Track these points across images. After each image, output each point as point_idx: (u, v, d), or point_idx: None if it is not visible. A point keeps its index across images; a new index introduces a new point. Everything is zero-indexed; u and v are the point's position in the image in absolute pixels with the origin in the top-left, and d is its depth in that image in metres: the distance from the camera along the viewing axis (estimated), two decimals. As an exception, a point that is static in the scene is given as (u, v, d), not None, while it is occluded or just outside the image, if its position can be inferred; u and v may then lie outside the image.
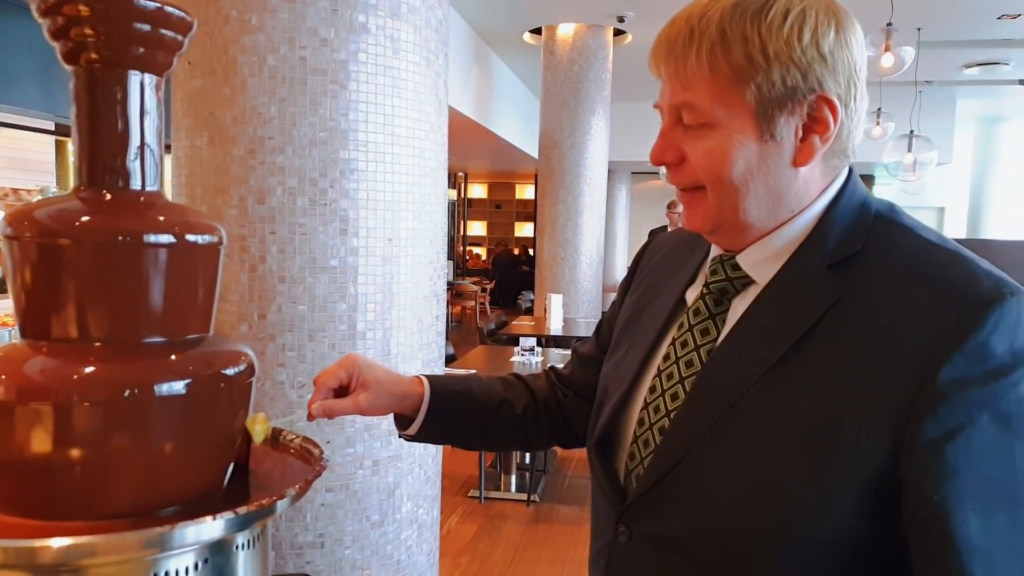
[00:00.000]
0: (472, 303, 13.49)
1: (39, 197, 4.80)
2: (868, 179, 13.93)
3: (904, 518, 0.79)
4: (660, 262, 1.13)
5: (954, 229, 13.78)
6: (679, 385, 0.94)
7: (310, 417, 1.08)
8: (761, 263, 0.92)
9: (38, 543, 0.79)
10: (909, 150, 8.40)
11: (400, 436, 1.19)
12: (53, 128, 5.47)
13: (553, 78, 7.60)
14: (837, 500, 0.81)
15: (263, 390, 1.82)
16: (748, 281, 0.93)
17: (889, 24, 5.89)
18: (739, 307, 0.94)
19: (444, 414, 1.15)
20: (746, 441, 0.85)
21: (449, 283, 13.24)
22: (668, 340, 1.00)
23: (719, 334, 0.94)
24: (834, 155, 0.89)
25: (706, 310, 0.96)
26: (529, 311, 9.65)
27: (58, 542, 0.79)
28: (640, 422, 0.98)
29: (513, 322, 7.00)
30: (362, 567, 1.90)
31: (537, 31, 7.85)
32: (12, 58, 4.70)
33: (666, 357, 0.98)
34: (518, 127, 10.48)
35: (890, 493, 0.79)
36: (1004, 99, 11.25)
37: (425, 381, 1.16)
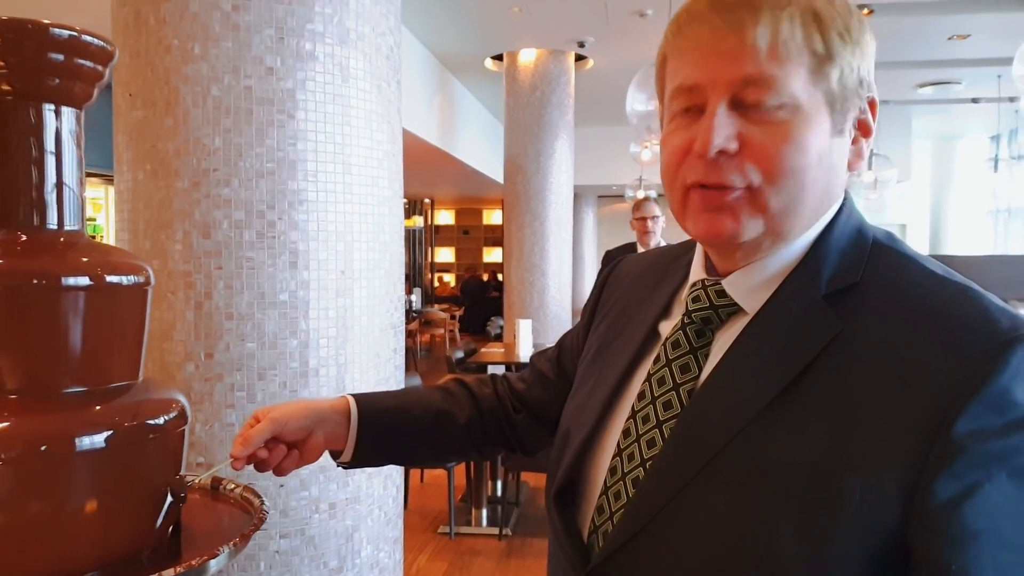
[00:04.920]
0: (441, 331, 13.38)
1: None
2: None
3: None
4: (627, 290, 1.02)
5: (916, 246, 13.88)
6: (656, 430, 0.82)
7: (235, 465, 0.99)
8: (752, 290, 0.81)
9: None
10: (869, 168, 8.52)
11: (339, 466, 1.10)
12: None
13: (516, 104, 7.61)
14: (838, 568, 0.69)
15: (211, 432, 1.74)
16: (734, 310, 0.82)
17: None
18: (723, 341, 0.82)
19: (377, 433, 1.07)
20: (732, 496, 0.73)
21: (418, 311, 13.14)
22: (641, 376, 0.88)
23: (701, 371, 0.82)
24: None
25: (686, 343, 0.84)
26: (499, 337, 9.58)
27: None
28: (612, 471, 0.85)
29: (482, 349, 6.93)
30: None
31: (499, 57, 7.87)
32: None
33: (641, 395, 0.86)
34: (483, 153, 10.47)
35: (898, 560, 0.69)
36: (958, 117, 11.49)
37: (351, 400, 1.07)
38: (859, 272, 0.77)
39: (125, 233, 1.85)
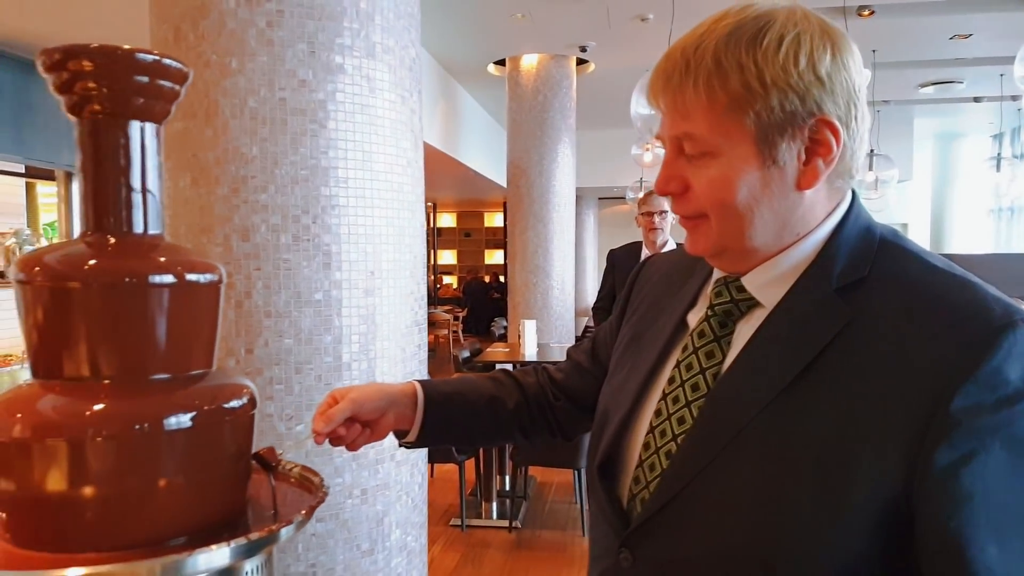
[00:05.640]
0: (445, 331, 13.51)
1: (13, 240, 4.78)
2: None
3: (918, 545, 0.77)
4: (657, 285, 1.13)
5: (918, 243, 14.01)
6: (686, 409, 0.93)
7: (318, 440, 1.10)
8: (767, 286, 0.91)
9: (55, 574, 0.83)
10: (870, 169, 8.58)
11: (401, 445, 1.21)
12: (23, 171, 5.46)
13: (519, 108, 7.72)
14: (850, 527, 0.78)
15: (252, 424, 1.85)
16: (753, 303, 0.93)
17: (844, 48, 6.10)
18: (744, 330, 0.92)
19: (440, 416, 1.19)
20: (756, 466, 0.83)
21: (422, 313, 13.21)
22: (671, 363, 0.99)
23: (724, 357, 0.93)
24: (838, 176, 0.89)
25: (711, 332, 0.95)
26: (503, 338, 9.69)
27: (74, 572, 0.82)
28: (646, 446, 0.96)
29: (488, 349, 7.03)
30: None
31: (501, 63, 7.98)
32: (-16, 104, 4.72)
33: (671, 380, 0.97)
34: (485, 157, 10.59)
35: (903, 520, 0.77)
36: (960, 116, 11.58)
37: (418, 385, 1.19)
38: (867, 267, 0.87)
39: (166, 238, 1.95)
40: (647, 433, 0.96)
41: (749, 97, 0.83)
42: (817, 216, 0.89)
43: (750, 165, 0.85)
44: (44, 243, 5.11)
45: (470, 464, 5.14)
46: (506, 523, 4.85)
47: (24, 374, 4.51)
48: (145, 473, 0.94)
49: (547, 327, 7.52)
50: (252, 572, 1.00)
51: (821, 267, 0.88)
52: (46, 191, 6.78)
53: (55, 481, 0.91)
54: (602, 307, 4.77)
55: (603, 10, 6.30)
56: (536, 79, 7.67)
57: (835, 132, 0.84)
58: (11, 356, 4.83)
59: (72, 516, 0.92)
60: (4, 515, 0.95)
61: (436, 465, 5.63)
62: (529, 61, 7.68)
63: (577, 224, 9.01)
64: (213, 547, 0.90)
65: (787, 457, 0.82)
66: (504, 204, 8.25)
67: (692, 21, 0.92)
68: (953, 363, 0.76)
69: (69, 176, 5.32)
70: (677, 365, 0.97)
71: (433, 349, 13.53)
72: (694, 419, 0.91)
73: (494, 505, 5.08)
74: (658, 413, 0.96)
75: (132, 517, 0.94)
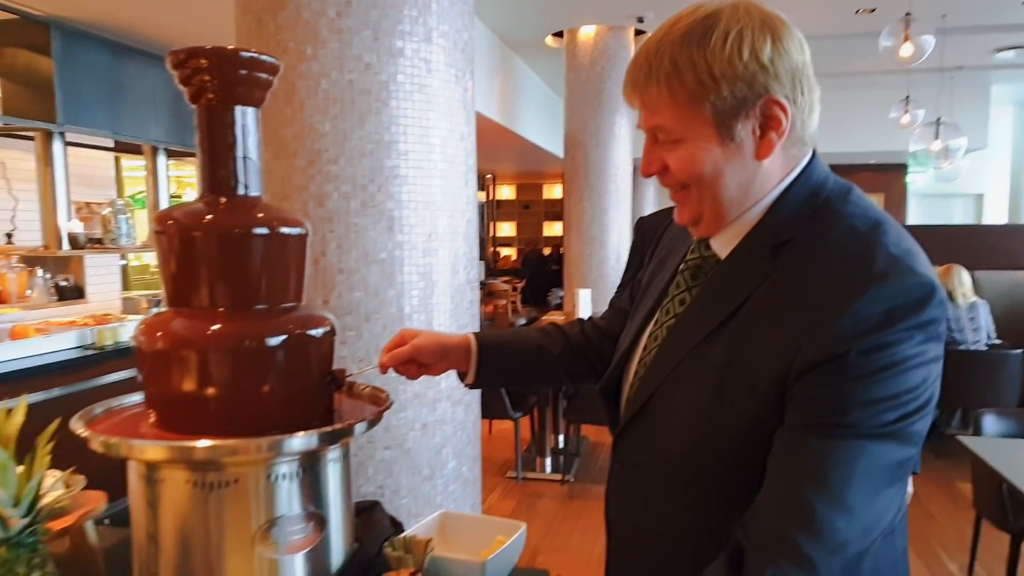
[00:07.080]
0: (503, 301, 13.81)
1: (109, 210, 5.22)
2: (902, 167, 13.82)
3: (776, 436, 0.95)
4: (671, 239, 1.30)
5: (994, 216, 13.50)
6: (658, 347, 1.14)
7: (382, 369, 1.36)
8: (725, 243, 1.07)
9: (189, 443, 1.11)
10: (936, 137, 8.34)
11: (464, 384, 1.44)
12: (113, 146, 5.90)
13: (576, 80, 7.82)
14: (761, 430, 0.96)
15: (327, 364, 2.14)
16: (717, 259, 1.09)
17: (907, 14, 5.83)
18: None
19: (492, 363, 1.40)
20: (687, 387, 1.05)
21: (481, 282, 13.55)
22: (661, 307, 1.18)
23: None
24: (793, 144, 1.01)
25: (684, 283, 1.14)
26: (559, 307, 9.91)
27: (203, 443, 1.11)
28: (636, 374, 1.18)
29: (543, 318, 7.27)
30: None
31: (559, 34, 8.06)
32: (83, 83, 5.14)
33: (655, 322, 1.17)
34: (543, 128, 10.70)
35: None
36: (1041, 81, 11.11)
37: (472, 337, 1.41)
38: (800, 227, 1.01)
39: (263, 199, 2.24)
40: (638, 363, 1.19)
41: (703, 91, 0.97)
42: (772, 181, 1.03)
43: (711, 144, 1.00)
44: (131, 212, 5.53)
45: (525, 423, 5.41)
46: (559, 477, 5.12)
47: (122, 330, 4.95)
48: (252, 379, 1.20)
49: (602, 296, 7.66)
50: (333, 461, 1.27)
51: (763, 227, 1.03)
52: (130, 164, 7.26)
53: (187, 383, 1.18)
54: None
55: (658, -18, 6.37)
56: (593, 50, 7.74)
57: (783, 108, 0.98)
58: (109, 315, 5.27)
59: (199, 409, 1.18)
60: (153, 412, 1.23)
61: (493, 422, 5.92)
62: (587, 32, 7.76)
63: (636, 195, 9.08)
64: (302, 433, 1.17)
65: (707, 379, 1.02)
66: (563, 175, 8.34)
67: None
68: (827, 304, 0.91)
69: (155, 150, 5.72)
70: (661, 309, 1.18)
71: (492, 318, 13.83)
72: (655, 354, 1.14)
73: (548, 460, 5.34)
74: (644, 348, 1.19)
75: (243, 411, 1.20)
